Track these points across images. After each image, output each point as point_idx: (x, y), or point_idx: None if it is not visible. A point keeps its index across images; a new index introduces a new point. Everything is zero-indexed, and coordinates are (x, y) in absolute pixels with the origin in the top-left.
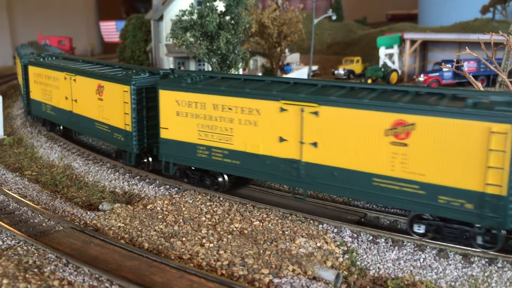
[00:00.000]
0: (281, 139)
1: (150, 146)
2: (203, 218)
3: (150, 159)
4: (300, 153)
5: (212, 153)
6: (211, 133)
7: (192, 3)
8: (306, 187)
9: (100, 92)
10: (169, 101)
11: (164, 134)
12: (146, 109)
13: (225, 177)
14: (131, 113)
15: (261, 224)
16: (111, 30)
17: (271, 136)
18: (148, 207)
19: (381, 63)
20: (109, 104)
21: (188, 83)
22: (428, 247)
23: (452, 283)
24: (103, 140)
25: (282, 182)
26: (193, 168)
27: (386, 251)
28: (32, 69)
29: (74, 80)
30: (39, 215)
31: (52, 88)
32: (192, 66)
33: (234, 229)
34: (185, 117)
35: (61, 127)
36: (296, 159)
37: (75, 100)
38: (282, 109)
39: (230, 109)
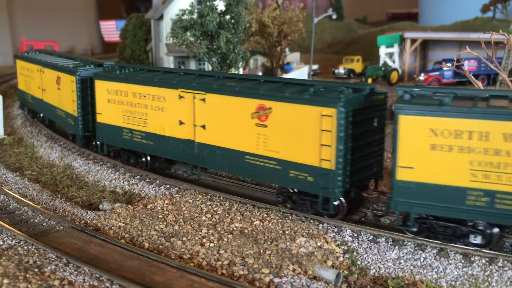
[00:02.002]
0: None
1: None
2: (204, 218)
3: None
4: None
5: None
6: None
7: (192, 3)
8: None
9: None
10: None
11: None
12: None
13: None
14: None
15: (262, 223)
16: (111, 29)
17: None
18: (149, 206)
19: (381, 62)
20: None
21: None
22: (428, 246)
23: (453, 283)
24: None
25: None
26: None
27: (387, 250)
28: (103, 85)
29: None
30: (40, 215)
31: (138, 108)
32: (193, 65)
33: (235, 228)
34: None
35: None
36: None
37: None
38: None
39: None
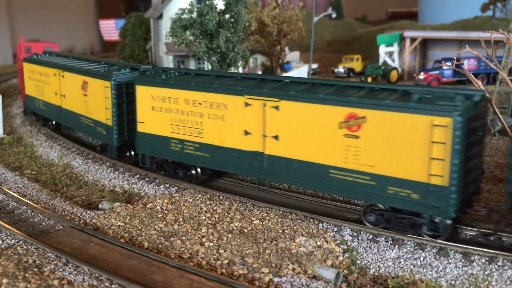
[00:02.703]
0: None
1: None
2: (203, 217)
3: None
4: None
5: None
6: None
7: (191, 1)
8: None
9: None
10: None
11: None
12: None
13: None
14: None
15: (261, 223)
16: (110, 28)
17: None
18: (148, 206)
19: (381, 61)
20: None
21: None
22: (428, 245)
23: (453, 282)
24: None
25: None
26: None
27: (386, 249)
28: (146, 91)
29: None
30: (39, 214)
31: (191, 116)
32: (192, 64)
33: (234, 228)
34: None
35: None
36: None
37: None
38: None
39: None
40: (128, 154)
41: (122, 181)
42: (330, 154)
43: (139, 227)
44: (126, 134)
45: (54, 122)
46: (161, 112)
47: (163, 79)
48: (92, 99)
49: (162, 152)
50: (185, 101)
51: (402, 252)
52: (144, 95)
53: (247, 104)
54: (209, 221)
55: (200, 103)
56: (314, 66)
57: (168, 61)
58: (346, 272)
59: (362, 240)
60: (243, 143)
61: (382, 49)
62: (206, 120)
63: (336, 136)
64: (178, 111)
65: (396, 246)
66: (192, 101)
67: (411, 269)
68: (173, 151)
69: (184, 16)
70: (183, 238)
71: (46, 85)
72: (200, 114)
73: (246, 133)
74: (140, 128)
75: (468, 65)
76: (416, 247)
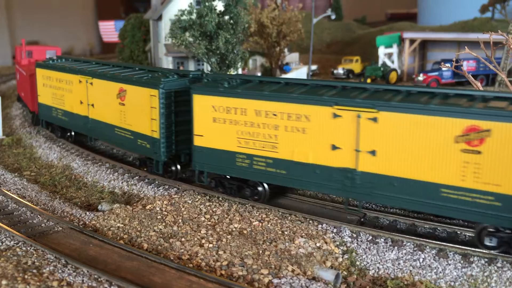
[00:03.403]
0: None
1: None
2: (202, 218)
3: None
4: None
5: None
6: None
7: (191, 3)
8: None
9: None
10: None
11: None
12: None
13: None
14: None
15: (261, 224)
16: (110, 30)
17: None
18: (147, 207)
19: (380, 62)
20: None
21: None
22: (427, 247)
23: (452, 283)
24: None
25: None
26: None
27: (386, 251)
28: (206, 101)
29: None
30: (38, 216)
31: (264, 129)
32: (191, 66)
33: (234, 229)
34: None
35: None
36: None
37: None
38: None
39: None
40: (173, 168)
41: (122, 183)
42: (442, 171)
43: (139, 229)
44: (174, 147)
45: (73, 134)
46: (225, 124)
47: (228, 87)
48: (131, 109)
49: (225, 168)
50: (255, 112)
51: (402, 253)
52: (204, 105)
53: (335, 116)
54: (209, 223)
55: (275, 114)
56: (314, 67)
57: (167, 63)
58: (346, 273)
59: (361, 241)
60: (329, 158)
61: (381, 51)
62: (282, 133)
63: (451, 151)
64: (247, 123)
65: (396, 247)
66: (264, 112)
67: (410, 270)
68: (239, 167)
69: (184, 17)
70: (183, 239)
71: (68, 93)
72: (274, 126)
73: (334, 147)
74: (198, 142)
75: (467, 66)
76: (415, 249)
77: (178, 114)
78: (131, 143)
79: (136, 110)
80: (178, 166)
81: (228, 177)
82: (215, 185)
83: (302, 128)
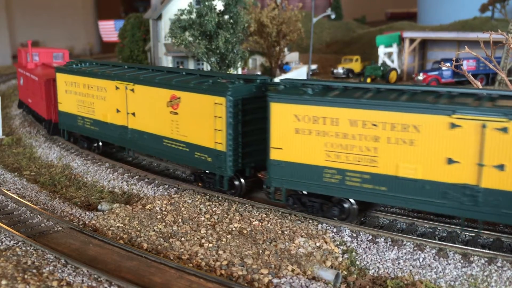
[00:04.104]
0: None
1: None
2: (202, 218)
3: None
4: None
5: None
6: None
7: (191, 2)
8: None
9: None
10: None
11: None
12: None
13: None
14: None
15: (260, 224)
16: (109, 29)
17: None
18: (147, 207)
19: (380, 62)
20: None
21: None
22: (427, 246)
23: (452, 283)
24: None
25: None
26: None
27: (386, 250)
28: (291, 110)
29: None
30: (38, 216)
31: (367, 142)
32: (191, 65)
33: (233, 229)
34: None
35: None
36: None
37: None
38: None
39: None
40: (237, 183)
41: (121, 182)
42: None
43: (138, 228)
44: (241, 161)
45: (100, 144)
46: (311, 136)
47: (314, 94)
48: (187, 119)
49: (308, 184)
50: (350, 122)
51: (402, 253)
52: (284, 115)
53: (453, 126)
54: (208, 222)
55: (374, 124)
56: (314, 67)
57: (167, 62)
58: (346, 273)
59: (361, 241)
60: (444, 174)
61: (381, 50)
62: (383, 146)
63: None
64: (338, 135)
65: (396, 247)
66: (362, 122)
67: (410, 270)
68: (327, 184)
69: (183, 17)
70: (182, 239)
71: (100, 100)
72: (374, 138)
73: (450, 161)
74: (276, 155)
75: (467, 65)
76: (415, 248)
77: (245, 124)
78: (185, 156)
79: (193, 120)
80: (243, 181)
81: (305, 193)
82: (293, 202)
83: (409, 140)
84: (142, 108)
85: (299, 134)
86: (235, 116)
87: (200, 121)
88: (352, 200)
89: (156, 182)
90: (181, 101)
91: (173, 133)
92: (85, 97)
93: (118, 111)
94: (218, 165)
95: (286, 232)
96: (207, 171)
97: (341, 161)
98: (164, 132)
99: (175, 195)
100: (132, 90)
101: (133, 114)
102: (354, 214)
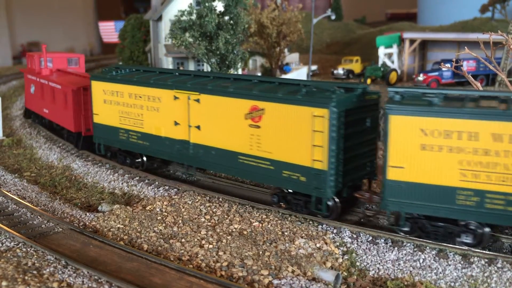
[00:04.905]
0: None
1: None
2: (202, 219)
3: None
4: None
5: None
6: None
7: (191, 3)
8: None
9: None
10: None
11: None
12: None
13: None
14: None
15: (261, 225)
16: (110, 30)
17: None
18: (147, 208)
19: (380, 62)
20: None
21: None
22: (427, 247)
23: (452, 284)
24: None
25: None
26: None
27: (386, 251)
28: (417, 124)
29: None
30: (38, 217)
31: None
32: (191, 66)
33: (234, 230)
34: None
35: None
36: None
37: None
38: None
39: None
40: (332, 204)
41: (122, 183)
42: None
43: (139, 229)
44: (341, 180)
45: (145, 160)
46: (441, 153)
47: (441, 105)
48: (273, 133)
49: (435, 208)
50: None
51: (402, 254)
52: (407, 129)
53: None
54: (209, 223)
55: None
56: (314, 67)
57: (167, 63)
58: (346, 274)
59: (361, 242)
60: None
61: (381, 51)
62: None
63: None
64: (477, 151)
65: (396, 248)
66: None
67: (410, 271)
68: (461, 207)
69: (184, 18)
70: (183, 240)
71: (151, 112)
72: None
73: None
74: (395, 175)
75: (467, 66)
76: (415, 249)
77: (346, 139)
78: (268, 174)
79: (281, 134)
80: (338, 201)
81: (424, 216)
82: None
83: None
84: (209, 121)
85: (426, 151)
86: (338, 130)
87: (292, 136)
88: (487, 229)
89: (157, 183)
90: (265, 113)
91: (253, 149)
92: (131, 108)
93: (176, 123)
94: (316, 185)
95: (286, 233)
96: (293, 191)
97: (480, 181)
98: (240, 147)
99: (176, 196)
100: (197, 100)
101: (197, 127)
102: (487, 240)
